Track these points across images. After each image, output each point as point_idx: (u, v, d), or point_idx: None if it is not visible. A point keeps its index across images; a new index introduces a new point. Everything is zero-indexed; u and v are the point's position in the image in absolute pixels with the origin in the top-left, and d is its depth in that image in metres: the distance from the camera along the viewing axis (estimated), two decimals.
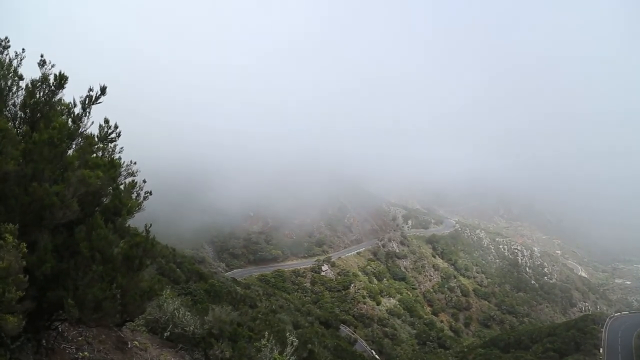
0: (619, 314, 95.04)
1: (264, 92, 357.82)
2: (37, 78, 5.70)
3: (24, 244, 4.15)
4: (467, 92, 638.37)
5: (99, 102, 5.87)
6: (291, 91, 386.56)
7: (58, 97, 5.79)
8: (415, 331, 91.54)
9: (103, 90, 5.86)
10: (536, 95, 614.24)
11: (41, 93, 5.73)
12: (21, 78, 5.71)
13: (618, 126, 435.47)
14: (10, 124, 5.29)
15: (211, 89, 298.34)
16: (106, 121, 5.97)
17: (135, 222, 6.01)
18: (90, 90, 5.83)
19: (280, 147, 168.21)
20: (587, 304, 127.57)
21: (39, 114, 5.68)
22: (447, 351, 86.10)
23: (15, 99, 5.69)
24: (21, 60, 5.59)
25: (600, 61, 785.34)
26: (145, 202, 5.97)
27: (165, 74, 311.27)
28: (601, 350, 67.66)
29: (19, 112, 5.69)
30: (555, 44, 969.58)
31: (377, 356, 70.29)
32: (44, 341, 5.44)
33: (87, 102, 5.81)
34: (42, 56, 5.66)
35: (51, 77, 5.71)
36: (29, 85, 5.65)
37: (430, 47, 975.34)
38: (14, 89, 5.66)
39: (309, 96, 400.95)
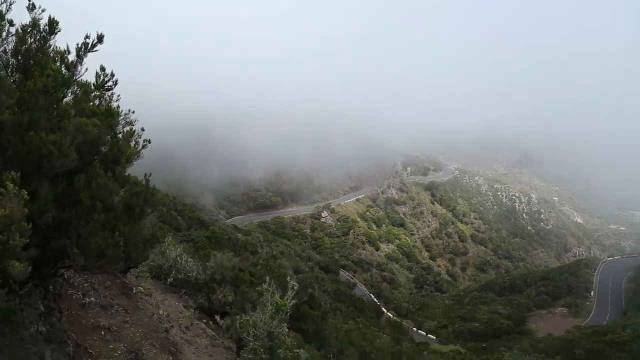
0: (611, 258, 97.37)
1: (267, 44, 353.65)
2: (27, 23, 5.49)
3: (25, 192, 4.15)
4: (466, 51, 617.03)
5: (95, 50, 5.69)
6: (296, 41, 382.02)
7: (50, 43, 5.61)
8: (413, 275, 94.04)
9: (100, 38, 5.67)
10: (539, 47, 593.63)
11: (32, 39, 5.54)
12: (11, 24, 5.49)
13: (621, 75, 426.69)
14: (3, 71, 5.16)
15: (226, 42, 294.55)
16: (102, 68, 5.82)
17: (135, 170, 6.00)
18: (87, 37, 5.64)
19: (278, 96, 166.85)
20: (581, 249, 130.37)
21: (31, 61, 5.52)
22: (444, 294, 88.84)
23: (6, 45, 5.51)
24: (10, 4, 5.36)
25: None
26: (144, 151, 5.92)
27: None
28: (592, 293, 69.89)
29: (10, 59, 5.53)
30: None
31: (375, 299, 72.45)
32: (51, 287, 5.57)
33: (82, 49, 5.64)
34: (29, 0, 5.42)
35: (42, 23, 5.51)
36: (19, 30, 5.45)
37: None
38: (4, 35, 5.47)
39: (312, 47, 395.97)
